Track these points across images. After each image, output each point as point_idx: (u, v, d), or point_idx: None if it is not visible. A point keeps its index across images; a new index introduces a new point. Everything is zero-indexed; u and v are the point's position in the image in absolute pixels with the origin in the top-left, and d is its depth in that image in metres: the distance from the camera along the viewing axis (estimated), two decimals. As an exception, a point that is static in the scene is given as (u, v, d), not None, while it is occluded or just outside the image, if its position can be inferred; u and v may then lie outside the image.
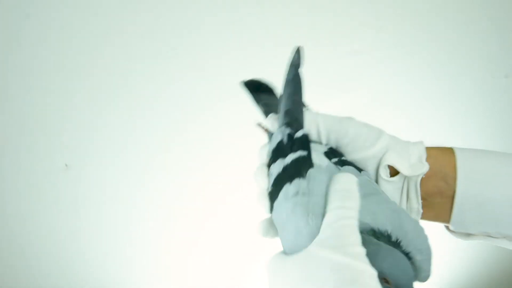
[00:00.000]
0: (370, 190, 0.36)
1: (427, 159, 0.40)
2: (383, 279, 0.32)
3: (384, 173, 0.40)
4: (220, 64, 0.84)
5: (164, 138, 0.87)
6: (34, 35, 0.79)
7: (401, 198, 0.40)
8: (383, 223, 0.34)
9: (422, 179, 0.39)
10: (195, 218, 0.93)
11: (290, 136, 0.39)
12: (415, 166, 0.39)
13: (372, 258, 0.31)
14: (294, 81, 0.41)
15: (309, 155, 0.38)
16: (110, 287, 0.96)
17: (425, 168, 0.39)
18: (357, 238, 0.32)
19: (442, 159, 0.40)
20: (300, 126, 0.40)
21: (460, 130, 0.92)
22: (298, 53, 0.41)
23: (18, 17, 0.78)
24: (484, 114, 0.92)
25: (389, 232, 0.34)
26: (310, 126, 0.41)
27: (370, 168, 0.40)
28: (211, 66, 0.84)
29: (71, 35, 0.80)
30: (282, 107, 0.40)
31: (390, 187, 0.40)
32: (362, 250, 0.31)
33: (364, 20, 0.85)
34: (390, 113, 0.90)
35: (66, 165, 0.86)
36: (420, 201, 0.39)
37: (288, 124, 0.39)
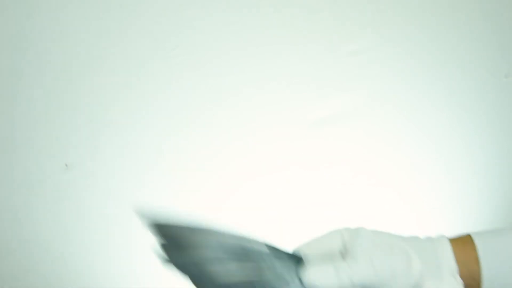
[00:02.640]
0: None
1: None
2: None
3: None
4: (220, 64, 0.84)
5: (165, 137, 0.87)
6: (34, 35, 0.79)
7: None
8: None
9: None
10: (196, 217, 0.93)
11: None
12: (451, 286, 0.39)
13: None
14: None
15: None
16: (110, 287, 0.96)
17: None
18: None
19: (466, 258, 0.40)
20: None
21: (460, 130, 0.92)
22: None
23: (19, 16, 0.78)
24: (483, 114, 0.92)
25: None
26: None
27: None
28: (212, 66, 0.84)
29: (71, 35, 0.80)
30: None
31: None
32: None
33: (364, 20, 0.85)
34: (389, 113, 0.90)
35: (66, 165, 0.86)
36: None
37: None
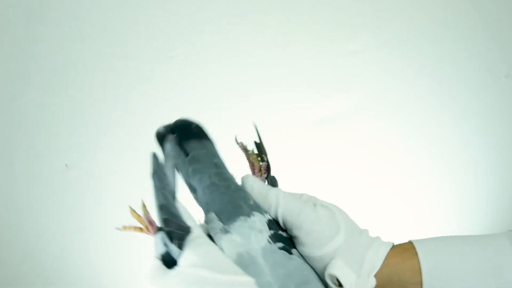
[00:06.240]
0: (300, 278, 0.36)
1: (384, 268, 0.38)
2: None
3: (330, 280, 0.37)
4: (220, 65, 0.84)
5: (164, 138, 0.87)
6: (34, 36, 0.79)
7: None
8: None
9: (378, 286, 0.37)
10: (194, 217, 0.93)
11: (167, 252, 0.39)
12: (361, 281, 0.37)
13: None
14: (157, 173, 0.41)
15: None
16: (110, 287, 0.96)
17: (369, 286, 0.36)
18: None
19: (401, 267, 0.38)
20: (177, 220, 0.40)
21: (459, 130, 0.92)
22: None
23: (19, 17, 0.78)
24: (483, 114, 0.92)
25: None
26: (270, 205, 0.40)
27: (317, 270, 0.38)
28: (211, 67, 0.84)
29: (72, 36, 0.80)
30: (156, 202, 0.40)
31: None
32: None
33: (362, 21, 0.85)
34: (388, 113, 0.90)
35: (66, 165, 0.86)
36: None
37: (165, 222, 0.39)
